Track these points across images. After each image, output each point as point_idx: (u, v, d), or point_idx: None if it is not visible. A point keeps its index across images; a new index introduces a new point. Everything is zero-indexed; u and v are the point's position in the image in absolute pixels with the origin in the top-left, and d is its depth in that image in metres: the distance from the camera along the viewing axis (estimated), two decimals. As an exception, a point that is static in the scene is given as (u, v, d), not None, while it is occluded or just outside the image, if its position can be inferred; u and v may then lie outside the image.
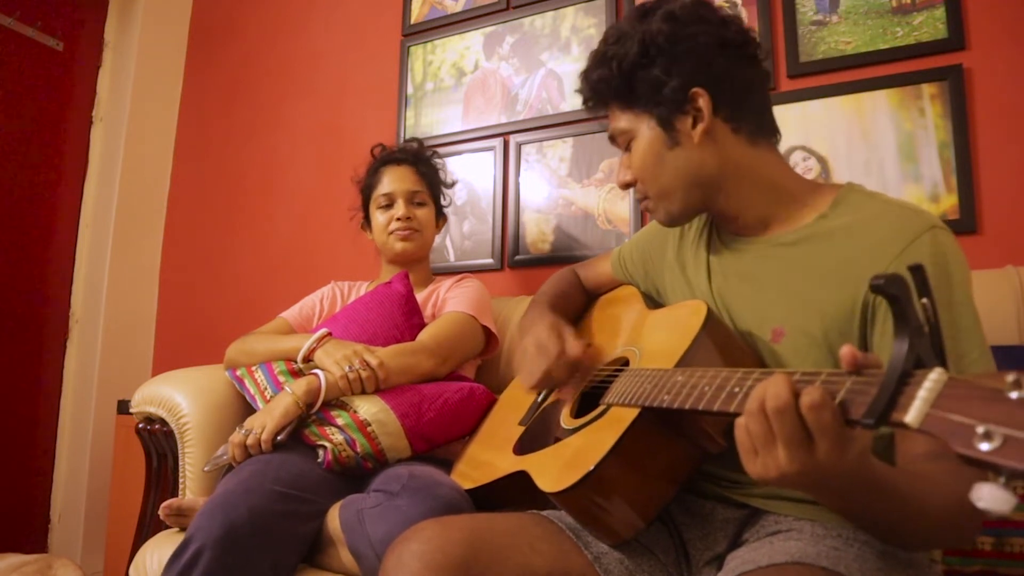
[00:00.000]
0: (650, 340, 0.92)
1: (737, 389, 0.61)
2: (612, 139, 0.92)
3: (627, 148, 0.90)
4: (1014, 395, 0.39)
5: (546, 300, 1.10)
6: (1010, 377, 0.39)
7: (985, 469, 0.39)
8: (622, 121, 0.88)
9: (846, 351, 0.52)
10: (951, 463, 0.62)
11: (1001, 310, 1.13)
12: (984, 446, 0.38)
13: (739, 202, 0.86)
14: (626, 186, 0.91)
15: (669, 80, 0.82)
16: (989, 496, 0.38)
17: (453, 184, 1.68)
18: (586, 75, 0.91)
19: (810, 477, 0.54)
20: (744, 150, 0.85)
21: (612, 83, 0.87)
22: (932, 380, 0.44)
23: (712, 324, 0.82)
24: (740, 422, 0.56)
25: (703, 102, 0.82)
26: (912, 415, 0.44)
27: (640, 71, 0.84)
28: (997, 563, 0.99)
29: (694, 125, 0.83)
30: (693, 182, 0.86)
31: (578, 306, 1.17)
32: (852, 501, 0.59)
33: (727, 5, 1.68)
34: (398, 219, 1.51)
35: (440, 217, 1.62)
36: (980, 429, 0.39)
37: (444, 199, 1.64)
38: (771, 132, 0.88)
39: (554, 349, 0.95)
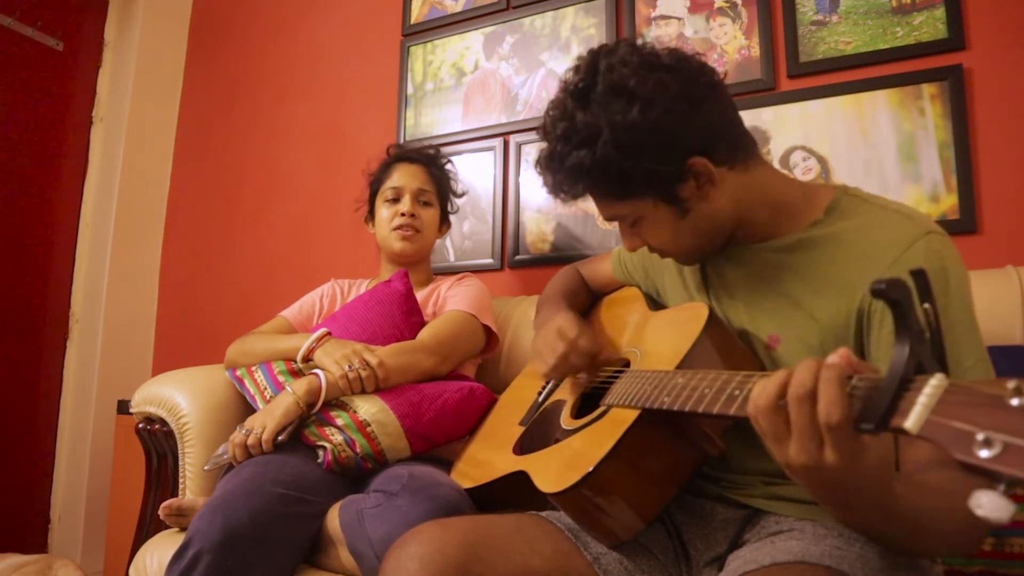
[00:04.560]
0: (651, 341, 0.92)
1: (737, 392, 0.61)
2: (609, 220, 0.87)
3: (631, 224, 0.85)
4: (1015, 402, 0.38)
5: (558, 297, 1.11)
6: (1010, 384, 0.39)
7: (984, 476, 0.38)
8: (620, 209, 0.83)
9: (843, 353, 0.52)
10: (955, 471, 0.61)
11: (1001, 310, 1.13)
12: (984, 453, 0.38)
13: (749, 223, 0.84)
14: (635, 249, 0.88)
15: (665, 166, 0.77)
16: (988, 504, 0.38)
17: (463, 195, 1.68)
18: (559, 185, 0.84)
19: (819, 475, 0.53)
20: (744, 180, 0.82)
21: (600, 185, 0.80)
22: (932, 386, 0.44)
23: (713, 327, 0.82)
24: (752, 412, 0.56)
25: (702, 166, 0.77)
26: (912, 421, 0.44)
27: (628, 168, 0.76)
28: (997, 563, 0.98)
29: (699, 188, 0.79)
30: (713, 233, 0.84)
31: (584, 304, 1.18)
32: (862, 515, 0.58)
33: (727, 5, 1.68)
34: (402, 214, 1.51)
35: (444, 223, 1.62)
36: (980, 436, 0.38)
37: (451, 206, 1.64)
38: (753, 145, 0.84)
39: (572, 334, 0.95)
